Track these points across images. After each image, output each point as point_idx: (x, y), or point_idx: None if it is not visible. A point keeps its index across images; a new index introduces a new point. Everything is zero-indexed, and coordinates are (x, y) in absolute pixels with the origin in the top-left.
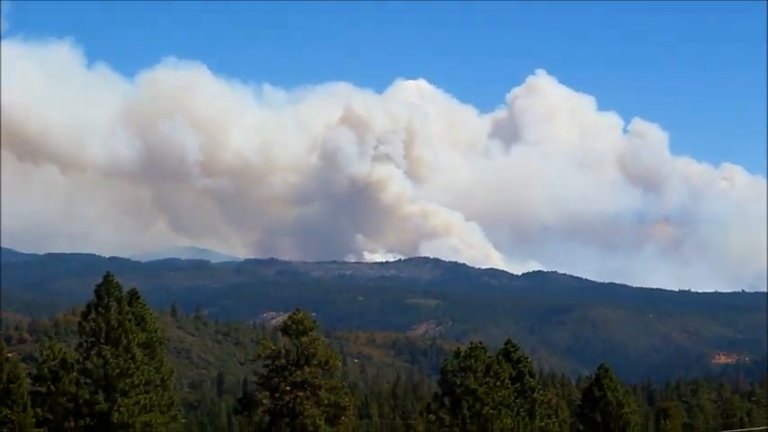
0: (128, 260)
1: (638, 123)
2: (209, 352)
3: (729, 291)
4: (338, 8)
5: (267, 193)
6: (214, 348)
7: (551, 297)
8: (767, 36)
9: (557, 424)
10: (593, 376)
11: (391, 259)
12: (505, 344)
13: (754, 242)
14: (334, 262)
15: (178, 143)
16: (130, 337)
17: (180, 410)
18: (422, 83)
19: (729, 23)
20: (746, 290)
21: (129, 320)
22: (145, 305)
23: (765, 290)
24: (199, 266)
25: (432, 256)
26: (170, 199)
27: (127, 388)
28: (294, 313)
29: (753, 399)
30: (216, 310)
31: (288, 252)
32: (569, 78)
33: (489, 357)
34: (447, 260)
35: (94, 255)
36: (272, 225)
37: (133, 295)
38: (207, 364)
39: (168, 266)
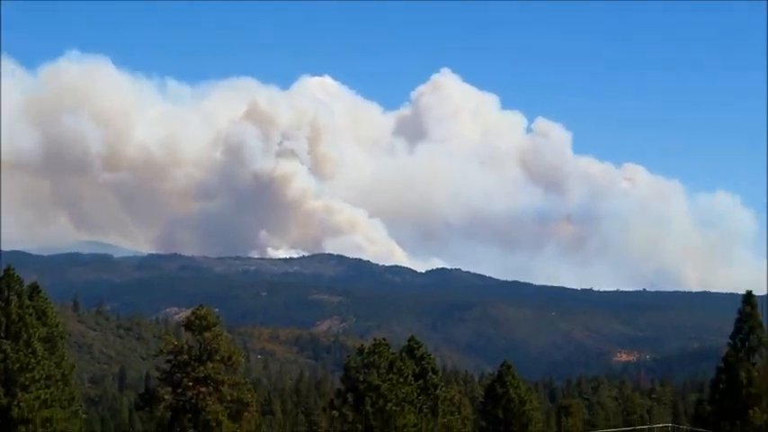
0: (29, 254)
1: (542, 122)
2: (110, 347)
3: (631, 289)
4: (244, 4)
5: (170, 187)
6: (116, 343)
7: (454, 294)
8: (667, 36)
9: (459, 420)
10: (496, 373)
11: (295, 255)
12: (408, 341)
13: (655, 242)
14: (238, 257)
15: (80, 136)
16: (31, 331)
17: (81, 406)
18: (327, 79)
19: (630, 22)
20: (648, 289)
21: (30, 315)
22: (46, 299)
23: (666, 289)
24: (101, 261)
25: (335, 253)
26: (72, 193)
27: (27, 383)
28: (197, 309)
29: (653, 396)
30: (118, 305)
31: (191, 247)
32: (474, 77)
33: (392, 354)
34: (351, 257)
35: None
36: (175, 220)
37: (34, 289)
38: (108, 359)
39: (70, 261)
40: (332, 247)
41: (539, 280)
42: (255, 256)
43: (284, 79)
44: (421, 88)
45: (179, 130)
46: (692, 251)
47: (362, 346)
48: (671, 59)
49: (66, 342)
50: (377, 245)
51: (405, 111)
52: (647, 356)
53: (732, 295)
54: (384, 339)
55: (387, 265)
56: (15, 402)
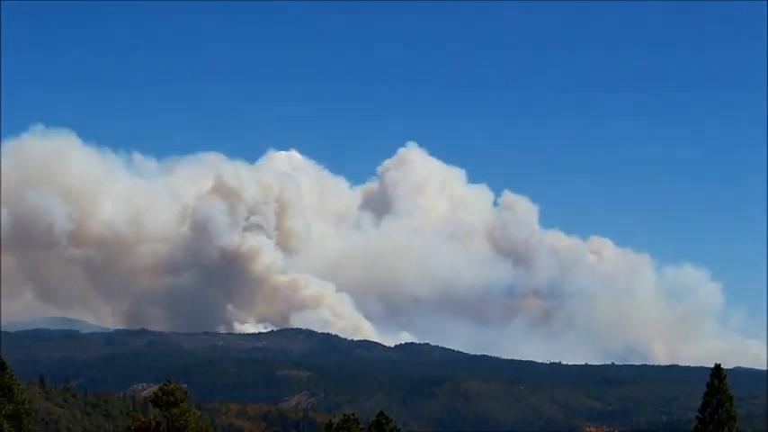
0: None
1: (508, 196)
2: (77, 424)
3: (599, 363)
4: (208, 77)
5: (137, 263)
6: (83, 420)
7: (423, 369)
8: (632, 108)
9: None
10: None
11: (263, 330)
12: (378, 416)
13: (623, 316)
14: (206, 333)
15: (46, 212)
16: None
17: None
18: (294, 154)
19: (592, 97)
20: (616, 362)
21: None
22: (12, 376)
23: (635, 362)
24: (68, 337)
25: (304, 327)
26: (38, 268)
27: None
28: (165, 384)
29: None
30: (85, 382)
31: (158, 323)
32: (440, 150)
33: (362, 429)
34: (320, 332)
35: None
36: (142, 295)
37: (0, 366)
38: None
39: (36, 337)
40: (299, 321)
41: (507, 354)
42: (223, 331)
43: (251, 154)
44: (387, 162)
45: (146, 206)
46: (660, 325)
47: (331, 421)
48: (636, 132)
49: (33, 419)
50: (344, 319)
51: (371, 185)
52: (617, 430)
53: (701, 369)
54: (353, 415)
55: (355, 339)
56: None
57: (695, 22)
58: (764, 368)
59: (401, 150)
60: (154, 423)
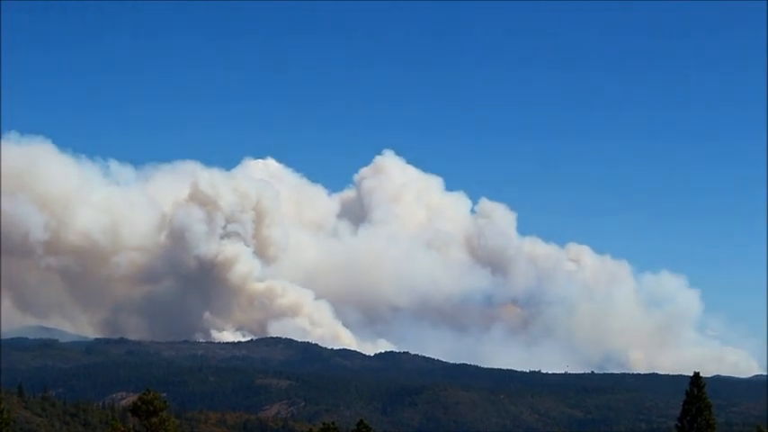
0: None
1: (486, 203)
2: None
3: (579, 372)
4: (183, 85)
5: (115, 271)
6: (62, 429)
7: (403, 378)
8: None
9: None
10: None
11: (241, 338)
12: (358, 424)
13: (601, 324)
14: (186, 341)
15: (21, 221)
16: None
17: None
18: (270, 161)
19: (572, 102)
20: (596, 371)
21: None
22: None
23: (614, 371)
24: (47, 346)
25: (283, 336)
26: (14, 277)
27: None
28: (144, 393)
29: None
30: (64, 391)
31: (137, 332)
32: (417, 158)
33: None
34: (299, 340)
35: None
36: (120, 304)
37: None
38: None
39: (15, 346)
40: (277, 329)
41: (487, 363)
42: (202, 340)
43: (227, 162)
44: (363, 170)
45: (123, 214)
46: (639, 333)
47: (311, 430)
48: (615, 139)
49: (11, 428)
50: (323, 327)
51: (349, 193)
52: None
53: (680, 377)
54: (333, 423)
55: (335, 348)
56: None
57: (687, 21)
58: (743, 376)
59: (377, 158)
60: None
